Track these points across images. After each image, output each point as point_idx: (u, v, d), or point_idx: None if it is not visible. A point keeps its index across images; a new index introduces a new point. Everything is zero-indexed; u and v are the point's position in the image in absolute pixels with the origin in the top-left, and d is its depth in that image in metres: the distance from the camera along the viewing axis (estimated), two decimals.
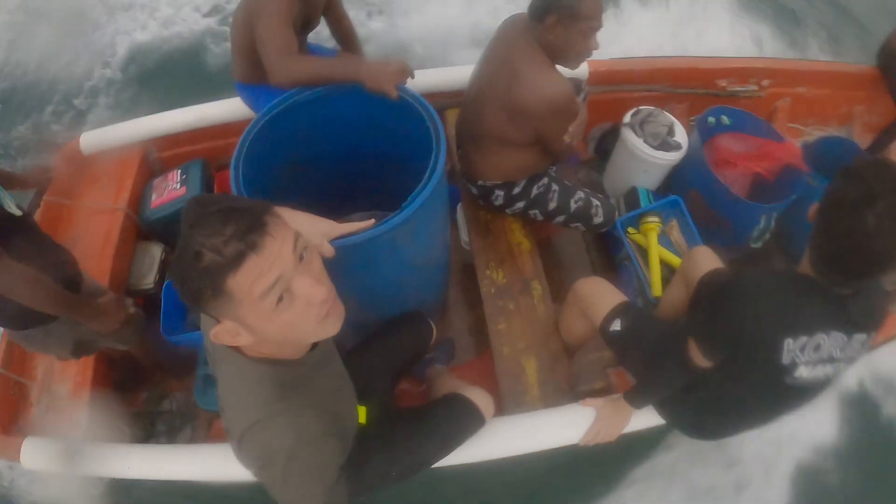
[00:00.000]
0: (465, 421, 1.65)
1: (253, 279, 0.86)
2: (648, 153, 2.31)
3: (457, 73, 2.56)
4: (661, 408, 1.72)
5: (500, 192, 2.16)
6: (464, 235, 2.37)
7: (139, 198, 2.45)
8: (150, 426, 2.27)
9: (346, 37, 2.44)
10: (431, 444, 1.60)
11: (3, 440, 1.91)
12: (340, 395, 1.29)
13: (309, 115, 1.84)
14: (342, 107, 1.84)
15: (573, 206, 2.16)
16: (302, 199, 2.07)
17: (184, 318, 2.29)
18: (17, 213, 1.57)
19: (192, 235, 0.85)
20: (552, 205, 2.16)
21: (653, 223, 2.26)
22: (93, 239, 2.29)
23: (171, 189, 2.44)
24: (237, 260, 0.84)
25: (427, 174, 1.62)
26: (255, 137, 1.73)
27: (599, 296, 1.85)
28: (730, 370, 1.44)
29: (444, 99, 2.59)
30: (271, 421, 1.00)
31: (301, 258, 0.93)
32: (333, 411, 1.15)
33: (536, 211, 2.19)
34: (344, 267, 1.48)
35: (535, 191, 2.15)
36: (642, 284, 2.25)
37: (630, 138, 2.34)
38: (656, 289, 2.20)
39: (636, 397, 1.70)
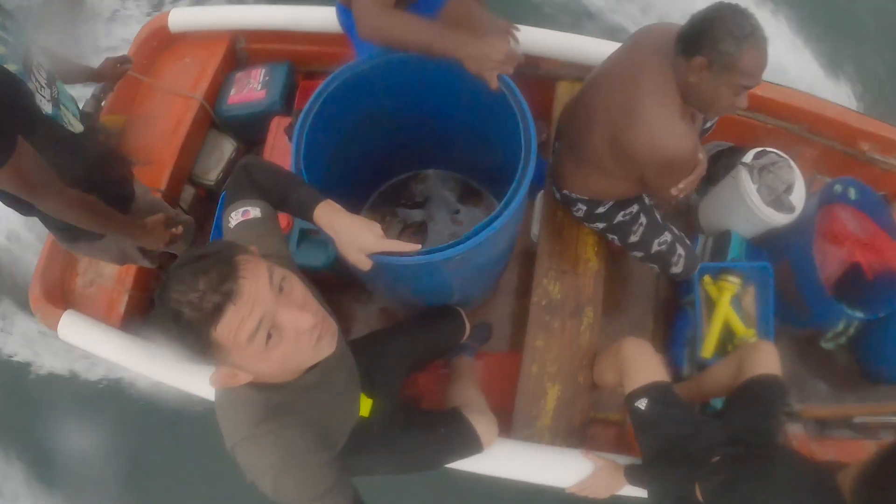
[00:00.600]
0: (460, 446, 1.68)
1: (237, 326, 0.86)
2: (757, 206, 2.07)
3: (582, 43, 2.27)
4: (653, 498, 1.71)
5: (582, 207, 1.99)
6: (535, 228, 2.24)
7: (218, 88, 2.36)
8: None
9: None
10: (423, 458, 1.67)
11: (46, 308, 2.01)
12: (338, 406, 1.28)
13: (393, 73, 1.69)
14: (430, 71, 1.65)
15: (655, 247, 1.98)
16: (372, 149, 2.01)
17: None
18: (79, 129, 1.52)
19: (168, 294, 0.85)
20: (633, 238, 1.99)
21: (731, 284, 2.08)
22: (165, 122, 2.24)
23: (251, 88, 2.32)
24: (216, 312, 0.84)
25: (501, 205, 1.48)
26: (333, 90, 1.61)
27: (639, 364, 1.75)
28: None
29: (560, 68, 2.33)
30: (257, 440, 1.02)
31: (280, 289, 0.92)
32: (323, 428, 1.15)
33: (615, 237, 2.03)
34: (384, 268, 1.41)
35: (619, 217, 1.97)
36: (696, 338, 2.13)
37: (744, 181, 2.09)
38: (708, 349, 2.09)
39: (634, 479, 1.69)
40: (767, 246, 2.22)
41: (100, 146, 1.66)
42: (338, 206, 1.26)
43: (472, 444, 1.67)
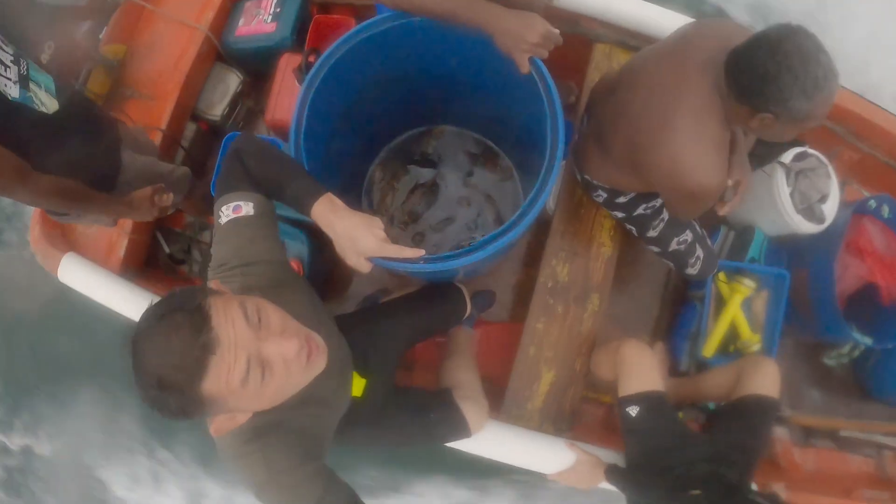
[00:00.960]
0: (448, 432, 1.71)
1: (226, 375, 0.84)
2: (787, 212, 1.95)
3: (626, 5, 2.06)
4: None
5: (603, 194, 1.89)
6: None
7: (226, 18, 2.16)
8: (186, 252, 2.32)
9: None
10: (411, 440, 1.72)
11: (46, 250, 1.98)
12: (328, 412, 1.27)
13: (412, 35, 1.55)
14: (453, 35, 1.48)
15: (674, 245, 1.89)
16: (385, 105, 1.91)
17: None
18: (53, 107, 1.39)
19: (145, 361, 0.82)
20: (652, 233, 1.89)
21: (745, 288, 2.02)
22: (168, 53, 2.08)
23: (260, 20, 2.13)
24: (200, 368, 0.81)
25: (517, 215, 1.41)
26: (344, 53, 1.50)
27: (637, 370, 1.74)
28: None
29: (600, 29, 2.12)
30: (246, 458, 1.03)
31: (259, 321, 0.89)
32: (312, 436, 1.15)
33: (633, 228, 1.94)
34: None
35: (640, 210, 1.87)
36: (699, 333, 2.09)
37: (779, 183, 1.96)
38: (709, 348, 2.07)
39: (614, 480, 1.73)
40: (789, 248, 2.13)
41: (81, 118, 1.52)
42: (338, 201, 1.17)
43: (460, 431, 1.70)
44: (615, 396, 1.78)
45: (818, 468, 1.99)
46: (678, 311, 2.25)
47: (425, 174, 2.24)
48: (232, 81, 2.23)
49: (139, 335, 0.84)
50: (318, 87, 1.48)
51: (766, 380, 1.72)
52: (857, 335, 1.88)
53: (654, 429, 1.69)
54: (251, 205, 1.14)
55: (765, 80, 1.22)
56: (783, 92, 1.21)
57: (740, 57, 1.28)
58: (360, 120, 1.88)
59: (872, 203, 1.98)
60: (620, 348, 1.80)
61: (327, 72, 1.49)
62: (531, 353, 1.98)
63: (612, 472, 1.73)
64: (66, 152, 1.43)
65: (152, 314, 0.85)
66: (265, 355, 0.88)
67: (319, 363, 0.98)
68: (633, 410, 1.70)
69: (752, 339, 2.03)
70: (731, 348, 2.08)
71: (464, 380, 1.87)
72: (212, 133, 2.30)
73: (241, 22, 2.14)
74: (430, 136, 2.25)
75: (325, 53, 1.50)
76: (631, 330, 2.30)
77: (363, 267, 1.20)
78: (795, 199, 1.96)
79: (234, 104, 2.26)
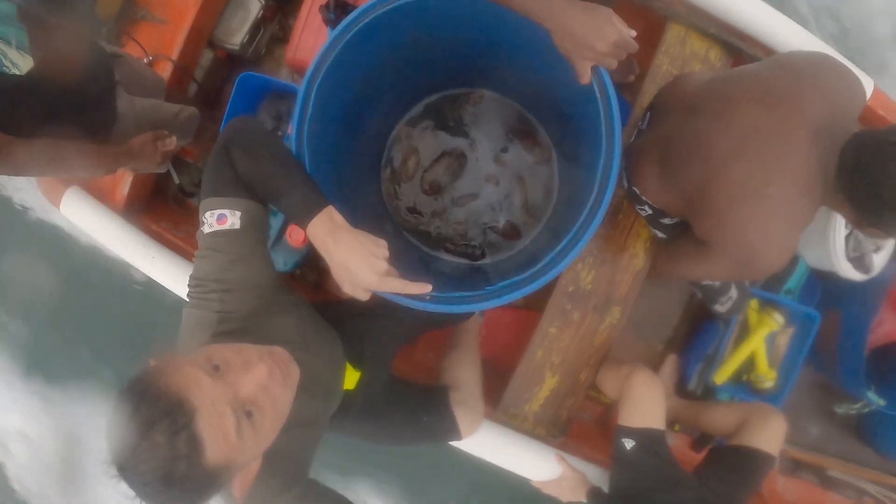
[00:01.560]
0: (439, 435, 1.70)
1: (222, 435, 0.81)
2: (838, 256, 1.81)
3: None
4: None
5: (648, 210, 1.73)
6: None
7: None
8: (197, 185, 2.19)
9: None
10: (400, 438, 1.70)
11: (50, 184, 1.85)
12: (313, 432, 1.25)
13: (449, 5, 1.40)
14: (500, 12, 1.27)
15: (708, 280, 1.78)
16: (421, 66, 1.76)
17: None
18: (26, 67, 1.27)
19: (140, 474, 0.77)
20: None
21: (774, 322, 1.93)
22: None
23: None
24: (195, 444, 0.78)
25: (544, 263, 1.30)
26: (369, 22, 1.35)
27: (642, 403, 1.70)
28: None
29: (678, 7, 1.84)
30: None
31: (217, 368, 0.85)
32: (294, 461, 1.15)
33: None
34: None
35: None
36: (716, 357, 2.02)
37: (836, 224, 1.80)
38: (723, 374, 2.01)
39: (594, 503, 1.75)
40: (826, 284, 2.01)
41: (63, 69, 1.32)
42: (338, 218, 1.05)
43: (451, 435, 1.70)
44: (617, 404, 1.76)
45: (798, 500, 2.02)
46: (699, 326, 2.15)
47: (456, 143, 2.05)
48: (253, 7, 1.97)
49: (122, 460, 0.78)
50: (341, 48, 1.33)
51: (771, 436, 1.68)
52: (872, 395, 1.82)
53: (645, 466, 1.68)
54: (238, 215, 1.03)
55: (886, 206, 1.06)
56: None
57: (863, 163, 1.09)
58: (390, 76, 1.70)
59: None
60: (631, 376, 1.74)
61: (353, 35, 1.33)
62: (538, 356, 1.92)
63: (594, 495, 1.75)
64: (44, 115, 1.28)
65: (121, 438, 0.78)
66: (244, 395, 0.84)
67: (293, 372, 0.95)
68: (628, 443, 1.68)
69: (767, 375, 1.98)
70: (743, 378, 2.03)
71: (463, 379, 1.81)
72: (230, 62, 2.07)
73: None
74: (467, 100, 2.02)
75: (351, 17, 1.33)
76: (646, 335, 2.23)
77: (360, 296, 1.10)
78: (850, 244, 1.81)
79: (254, 32, 2.01)
